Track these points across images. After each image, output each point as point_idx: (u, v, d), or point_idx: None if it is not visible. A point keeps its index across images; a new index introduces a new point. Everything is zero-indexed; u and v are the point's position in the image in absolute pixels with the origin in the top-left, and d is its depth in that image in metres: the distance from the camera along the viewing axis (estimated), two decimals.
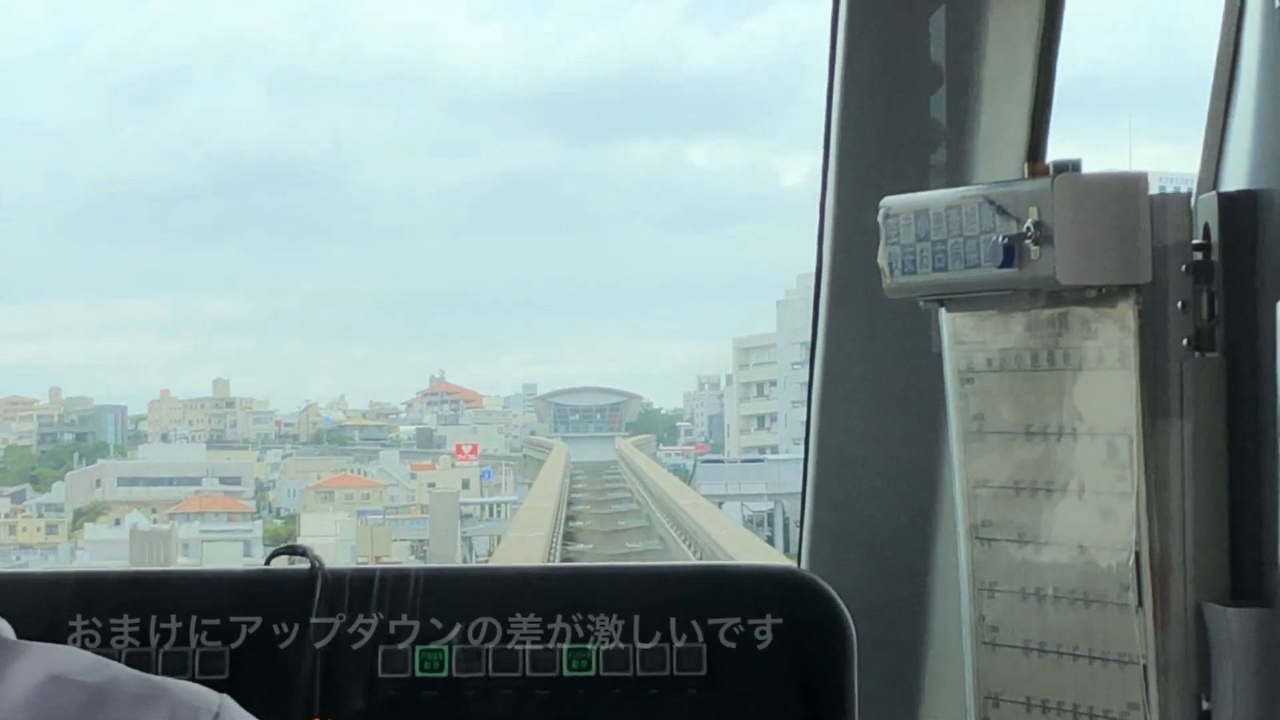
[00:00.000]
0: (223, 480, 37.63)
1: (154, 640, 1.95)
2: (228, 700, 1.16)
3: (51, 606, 1.93)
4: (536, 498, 29.99)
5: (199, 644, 1.96)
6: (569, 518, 30.42)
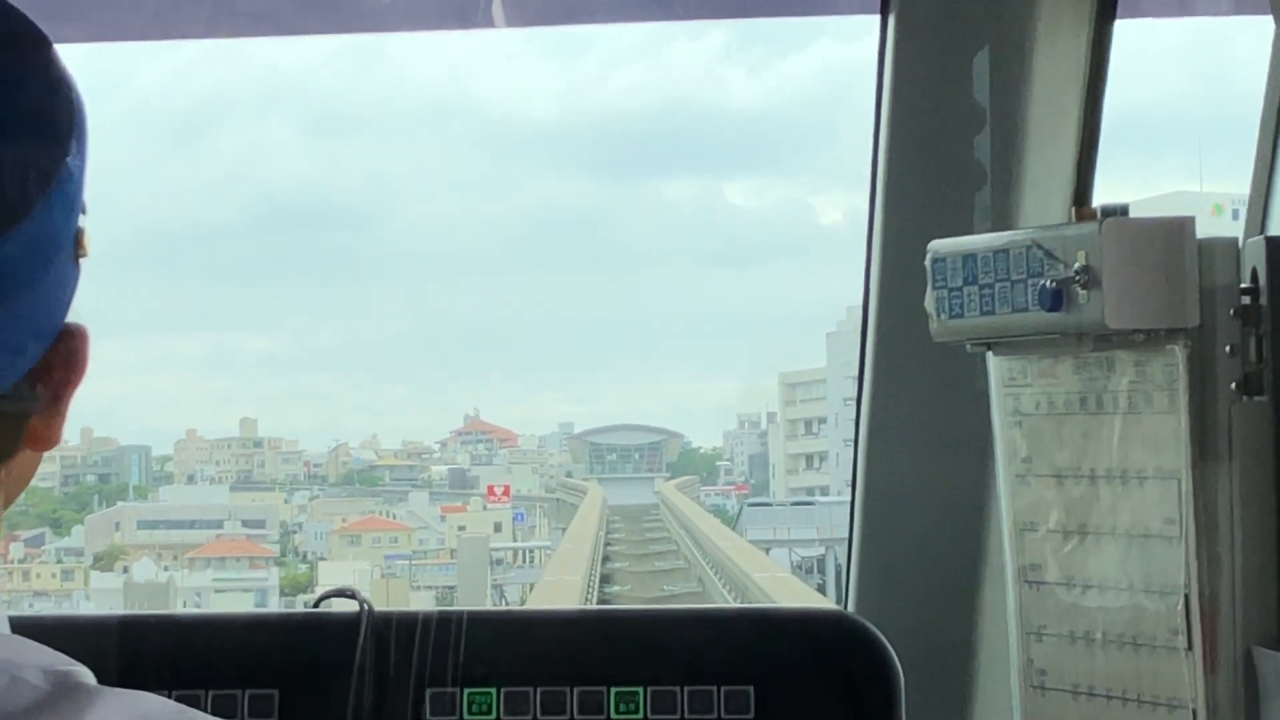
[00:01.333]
0: (246, 523, 37.33)
1: (203, 682, 2.04)
2: None
3: (102, 649, 2.01)
4: (564, 555, 27.65)
5: (248, 686, 2.05)
6: (603, 578, 27.98)
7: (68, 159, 1.15)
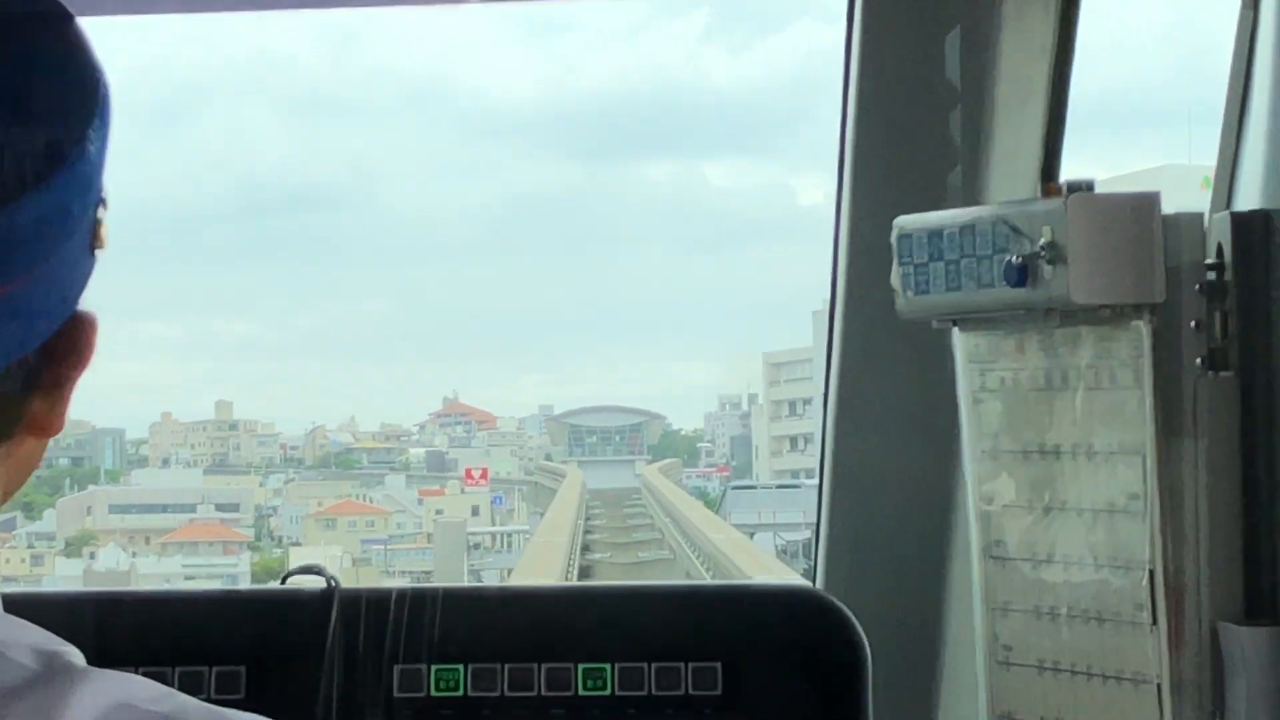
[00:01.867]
0: (219, 507, 37.31)
1: (171, 659, 2.07)
2: None
3: (70, 626, 2.04)
4: (539, 550, 25.36)
5: (215, 664, 2.08)
6: (582, 571, 25.93)
7: (85, 139, 1.15)
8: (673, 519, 29.61)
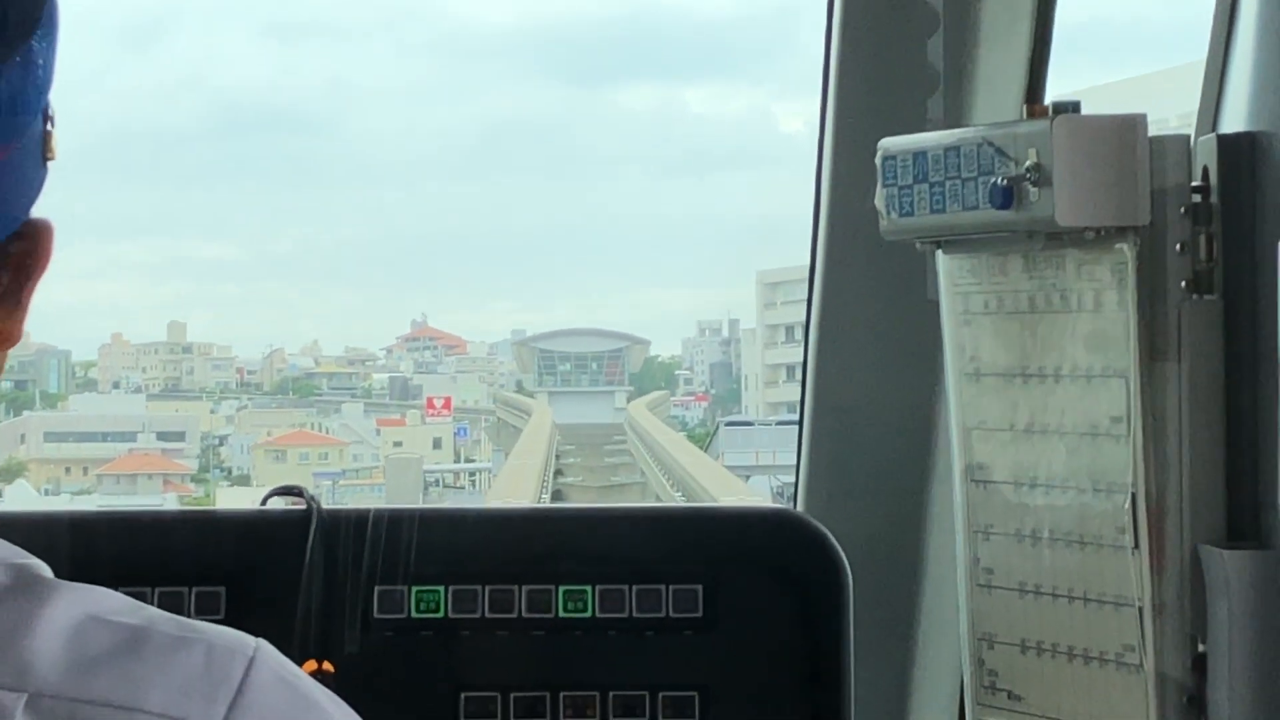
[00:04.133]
0: (163, 436, 36.79)
1: (150, 579, 2.19)
2: (263, 644, 1.24)
3: (47, 545, 2.15)
4: None
5: (195, 584, 2.21)
6: None
7: (34, 33, 1.20)
8: (680, 486, 24.65)
